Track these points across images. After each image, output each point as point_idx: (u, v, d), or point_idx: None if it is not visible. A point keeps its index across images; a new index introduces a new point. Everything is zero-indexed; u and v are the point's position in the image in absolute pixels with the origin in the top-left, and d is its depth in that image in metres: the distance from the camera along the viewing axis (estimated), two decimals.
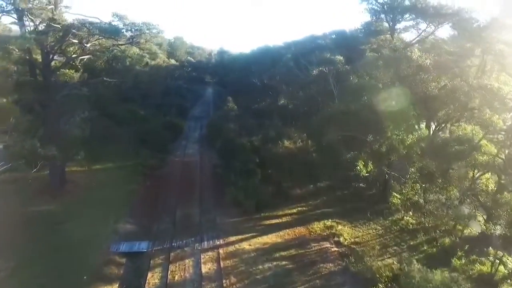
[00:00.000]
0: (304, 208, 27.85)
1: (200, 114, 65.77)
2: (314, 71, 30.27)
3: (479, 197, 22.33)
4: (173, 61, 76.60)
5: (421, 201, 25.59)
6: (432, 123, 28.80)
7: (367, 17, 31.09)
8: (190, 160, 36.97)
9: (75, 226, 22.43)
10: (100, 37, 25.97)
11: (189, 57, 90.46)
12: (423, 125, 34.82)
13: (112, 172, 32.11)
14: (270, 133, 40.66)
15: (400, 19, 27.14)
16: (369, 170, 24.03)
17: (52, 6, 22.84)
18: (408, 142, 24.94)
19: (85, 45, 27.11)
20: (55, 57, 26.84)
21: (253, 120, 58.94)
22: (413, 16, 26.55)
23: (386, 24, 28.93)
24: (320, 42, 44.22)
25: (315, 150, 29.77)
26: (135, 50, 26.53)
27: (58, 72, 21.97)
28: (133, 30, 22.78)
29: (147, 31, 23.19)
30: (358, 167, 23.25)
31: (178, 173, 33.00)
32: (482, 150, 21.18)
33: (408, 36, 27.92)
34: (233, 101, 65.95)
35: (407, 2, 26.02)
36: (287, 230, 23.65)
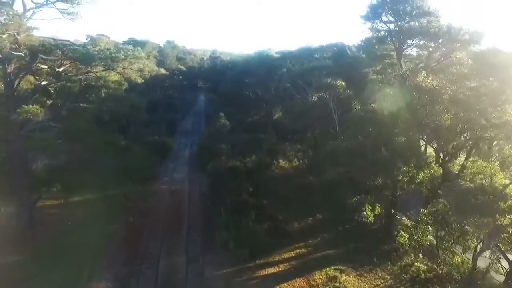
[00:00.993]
0: (303, 250, 25.15)
1: (191, 127, 62.86)
2: (314, 97, 27.68)
3: (500, 246, 19.87)
4: (162, 70, 73.48)
5: (433, 242, 23.20)
6: (441, 154, 26.30)
7: (369, 33, 28.44)
8: (178, 189, 34.05)
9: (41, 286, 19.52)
10: (72, 62, 23.06)
11: (179, 65, 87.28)
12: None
13: (91, 207, 29.01)
14: (265, 158, 37.75)
15: (409, 42, 24.56)
16: (376, 213, 21.41)
17: (15, 31, 19.74)
18: (419, 180, 22.52)
19: (57, 69, 24.14)
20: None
21: (246, 135, 56.52)
22: (424, 40, 23.96)
23: (391, 45, 26.28)
24: (317, 57, 41.74)
25: (315, 191, 26.98)
26: (113, 76, 23.52)
27: (19, 110, 18.89)
28: (108, 58, 19.79)
29: (124, 57, 20.20)
30: (365, 213, 20.62)
31: (164, 207, 30.05)
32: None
33: (417, 56, 25.32)
34: (226, 113, 63.14)
35: (416, 24, 23.43)
36: (285, 284, 20.91)
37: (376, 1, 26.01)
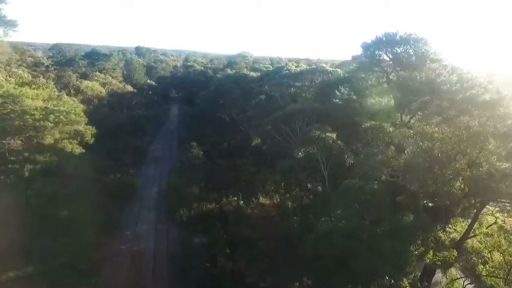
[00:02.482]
0: None
1: (161, 154, 56.91)
2: (300, 153, 23.53)
3: None
4: (129, 87, 67.29)
5: None
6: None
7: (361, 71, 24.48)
8: (141, 250, 28.73)
9: None
10: None
11: (148, 80, 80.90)
12: None
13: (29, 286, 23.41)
14: (242, 208, 33.42)
15: (413, 98, 20.46)
16: None
17: None
18: (428, 261, 18.97)
19: None
20: None
21: (222, 161, 52.14)
22: (434, 100, 20.01)
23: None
24: (299, 85, 37.80)
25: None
26: (48, 139, 18.16)
27: None
28: (31, 128, 14.54)
29: (53, 124, 14.96)
30: None
31: (121, 284, 24.65)
32: None
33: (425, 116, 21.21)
34: (200, 135, 58.38)
35: (423, 77, 19.46)
36: None
37: (370, 40, 22.20)
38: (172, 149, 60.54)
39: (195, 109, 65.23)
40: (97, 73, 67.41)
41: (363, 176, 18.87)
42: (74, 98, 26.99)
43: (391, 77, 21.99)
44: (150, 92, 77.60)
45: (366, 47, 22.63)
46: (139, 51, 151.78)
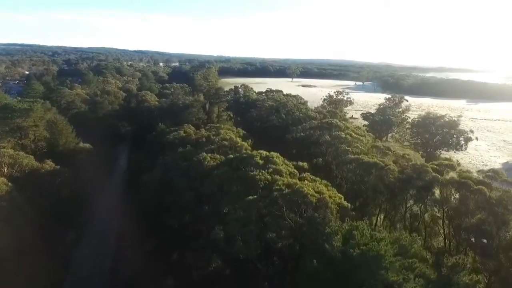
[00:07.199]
0: None
1: (89, 274, 40.57)
2: None
3: None
4: (48, 165, 50.29)
5: None
6: None
7: None
8: None
9: None
10: None
11: (82, 143, 63.87)
12: None
13: None
14: None
15: None
16: None
17: None
18: None
19: None
20: None
21: (171, 282, 38.47)
22: None
23: None
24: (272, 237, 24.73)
25: None
26: None
27: None
28: None
29: None
30: None
31: None
32: None
33: None
34: (144, 237, 43.87)
35: None
36: None
37: None
38: (106, 255, 44.95)
39: (140, 198, 49.49)
40: (4, 147, 50.40)
41: None
42: None
43: None
44: (83, 155, 60.59)
45: None
46: (86, 77, 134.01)
